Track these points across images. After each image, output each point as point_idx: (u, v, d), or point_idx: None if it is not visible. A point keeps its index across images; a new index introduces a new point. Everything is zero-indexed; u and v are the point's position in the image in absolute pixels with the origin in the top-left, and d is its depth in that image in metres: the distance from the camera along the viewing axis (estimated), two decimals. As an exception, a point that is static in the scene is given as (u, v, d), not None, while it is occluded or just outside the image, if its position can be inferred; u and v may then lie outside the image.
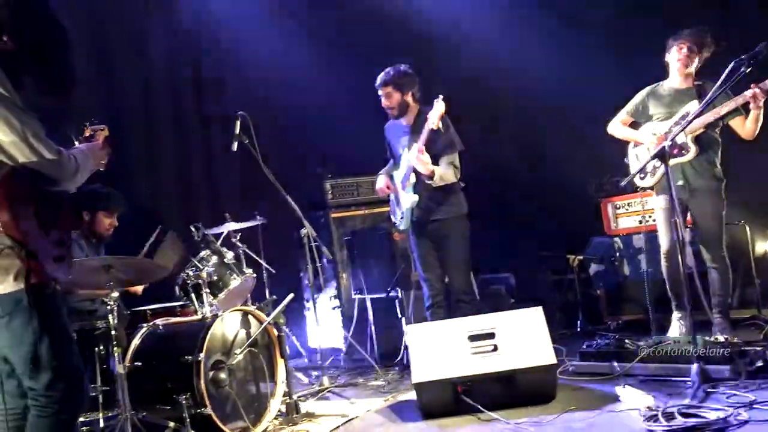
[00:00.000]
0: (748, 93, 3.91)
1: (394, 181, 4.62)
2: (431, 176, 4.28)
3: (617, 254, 5.42)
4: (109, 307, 3.48)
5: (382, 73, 4.53)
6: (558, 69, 6.27)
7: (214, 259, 4.21)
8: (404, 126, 4.58)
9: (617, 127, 4.58)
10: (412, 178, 4.40)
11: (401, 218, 4.55)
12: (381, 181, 4.67)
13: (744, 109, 4.07)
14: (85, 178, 2.45)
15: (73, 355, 2.36)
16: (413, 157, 4.24)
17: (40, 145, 2.17)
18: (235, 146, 4.52)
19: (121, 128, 5.66)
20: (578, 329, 5.56)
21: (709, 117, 4.07)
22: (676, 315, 4.40)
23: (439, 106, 4.13)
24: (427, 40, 6.65)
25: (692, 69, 4.25)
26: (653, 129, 4.36)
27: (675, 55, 4.27)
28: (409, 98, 4.51)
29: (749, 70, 3.44)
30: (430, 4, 6.65)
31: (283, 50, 6.84)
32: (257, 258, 5.08)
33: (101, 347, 3.77)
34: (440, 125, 4.16)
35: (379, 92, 4.54)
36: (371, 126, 4.91)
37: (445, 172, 4.34)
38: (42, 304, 2.23)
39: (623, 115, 4.56)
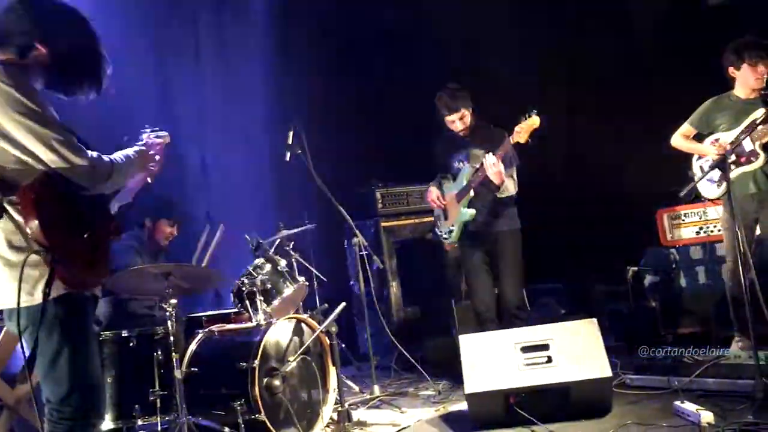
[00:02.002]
0: None
1: (445, 195, 4.62)
2: (499, 186, 4.28)
3: (673, 266, 5.30)
4: (168, 313, 3.57)
5: (447, 98, 4.46)
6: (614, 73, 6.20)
7: (268, 267, 4.27)
8: (461, 140, 4.57)
9: (680, 139, 4.48)
10: (471, 193, 4.40)
11: (449, 232, 4.55)
12: (433, 192, 4.66)
13: None
14: (125, 182, 2.47)
15: (93, 370, 2.30)
16: (490, 165, 4.17)
17: (67, 151, 2.16)
18: (288, 156, 4.60)
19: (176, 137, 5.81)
20: (633, 342, 5.44)
21: None
22: (738, 329, 4.28)
23: (533, 121, 4.04)
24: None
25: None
26: (717, 139, 4.26)
27: (749, 73, 4.15)
28: (472, 114, 4.53)
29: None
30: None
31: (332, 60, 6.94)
32: (309, 266, 5.14)
33: (159, 352, 3.85)
34: (528, 140, 4.08)
35: (451, 117, 4.49)
36: (422, 136, 4.92)
37: (509, 184, 4.37)
38: (66, 316, 2.20)
39: (686, 126, 4.46)
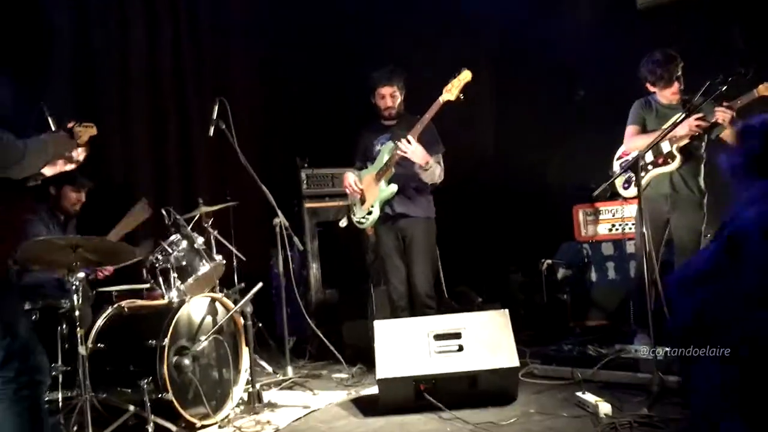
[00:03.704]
0: (718, 115, 3.98)
1: (362, 179, 4.56)
2: (425, 165, 4.22)
3: (585, 260, 5.48)
4: (74, 287, 3.44)
5: (386, 71, 4.45)
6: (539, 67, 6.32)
7: (184, 243, 4.16)
8: (386, 126, 4.55)
9: (634, 138, 4.45)
10: (392, 170, 4.36)
11: (367, 214, 4.50)
12: (350, 177, 4.56)
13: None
14: (37, 168, 2.41)
15: (26, 332, 2.35)
16: (406, 145, 4.13)
17: None
18: (212, 131, 4.49)
19: (95, 106, 5.59)
20: (544, 333, 5.61)
21: (693, 126, 4.10)
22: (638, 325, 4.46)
23: (465, 75, 3.98)
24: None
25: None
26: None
27: (664, 92, 4.29)
28: (402, 99, 4.52)
29: (725, 88, 3.52)
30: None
31: (264, 38, 6.83)
32: (228, 244, 5.06)
33: (64, 327, 3.73)
34: (460, 96, 4.00)
35: (382, 90, 4.46)
36: (352, 119, 4.90)
37: (436, 169, 4.33)
38: None
39: (633, 127, 4.48)
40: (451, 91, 4.02)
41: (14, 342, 2.27)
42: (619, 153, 4.62)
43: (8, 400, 2.27)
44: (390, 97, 4.48)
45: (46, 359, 2.44)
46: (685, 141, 4.20)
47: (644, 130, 4.45)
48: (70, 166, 2.61)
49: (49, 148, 2.44)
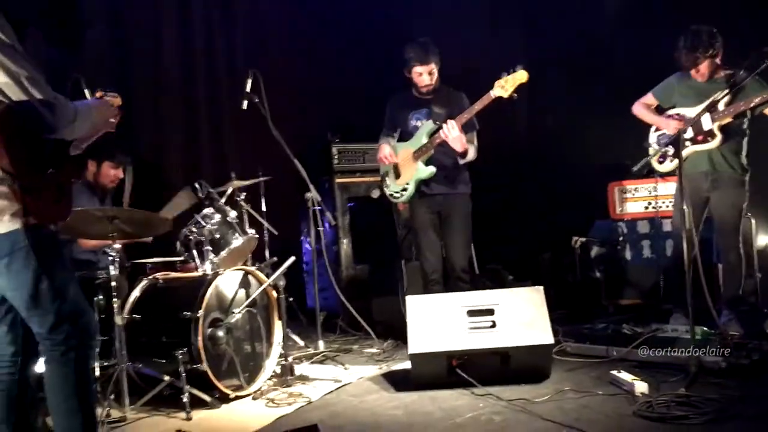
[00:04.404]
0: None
1: (398, 153, 4.56)
2: (464, 154, 4.22)
3: (620, 238, 5.40)
4: (110, 258, 3.48)
5: (422, 50, 4.38)
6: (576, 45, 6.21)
7: (217, 217, 4.18)
8: (420, 99, 4.50)
9: (642, 108, 4.50)
10: (432, 151, 4.34)
11: (402, 190, 4.50)
12: (386, 149, 4.53)
13: None
14: (85, 131, 2.43)
15: (76, 295, 2.34)
16: (450, 131, 4.10)
17: (34, 89, 2.14)
18: (245, 104, 4.47)
19: (129, 83, 5.61)
20: (577, 311, 5.56)
21: (740, 106, 3.99)
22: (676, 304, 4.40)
23: (521, 75, 3.95)
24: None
25: (717, 63, 4.18)
26: (678, 114, 4.30)
27: (702, 65, 4.16)
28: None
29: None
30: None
31: (301, 11, 6.81)
32: (260, 218, 5.07)
33: (101, 297, 3.78)
34: (514, 95, 3.97)
35: (419, 69, 4.39)
36: (383, 94, 4.85)
37: (471, 150, 4.32)
38: (41, 245, 2.21)
39: (649, 97, 4.48)
40: (505, 88, 3.97)
41: (64, 305, 2.26)
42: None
43: (55, 362, 2.29)
44: (428, 74, 4.41)
45: (96, 322, 2.45)
46: (728, 119, 4.09)
47: (664, 109, 4.37)
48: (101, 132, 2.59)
49: (93, 113, 2.45)
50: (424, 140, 4.37)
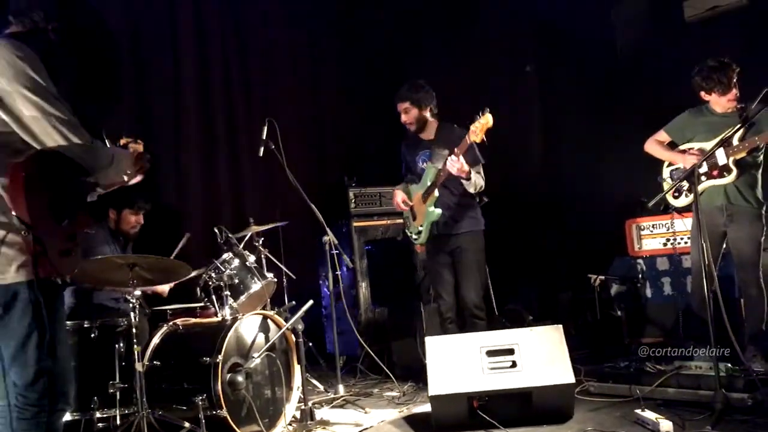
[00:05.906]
0: None
1: (412, 196, 4.61)
2: (468, 177, 4.22)
3: (640, 276, 5.35)
4: (131, 305, 3.51)
5: (402, 88, 4.54)
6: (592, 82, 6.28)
7: (236, 262, 4.23)
8: (424, 141, 4.57)
9: (654, 145, 4.52)
10: (435, 193, 4.38)
11: (418, 233, 4.55)
12: (398, 195, 4.66)
13: None
14: (119, 178, 2.43)
15: (64, 359, 2.26)
16: (451, 163, 4.14)
17: (69, 131, 2.14)
18: (261, 151, 4.57)
19: (150, 129, 5.74)
20: (598, 350, 5.50)
21: (755, 141, 4.00)
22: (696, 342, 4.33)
23: (486, 119, 3.98)
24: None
25: (735, 94, 4.20)
26: (695, 149, 4.31)
27: (720, 99, 4.19)
28: (427, 113, 4.52)
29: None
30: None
31: (311, 58, 6.96)
32: (278, 263, 5.11)
33: (122, 344, 3.80)
34: (483, 139, 4.01)
35: (398, 108, 4.54)
36: (399, 137, 4.92)
37: (477, 179, 4.34)
38: (41, 300, 2.16)
39: (662, 133, 4.50)
40: (476, 134, 4.00)
41: (47, 362, 2.18)
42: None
43: (26, 421, 2.19)
44: (403, 113, 4.53)
45: (74, 390, 2.38)
46: (743, 153, 4.09)
47: (676, 145, 4.38)
48: (134, 179, 2.58)
49: (124, 161, 2.46)
50: (428, 183, 4.43)
